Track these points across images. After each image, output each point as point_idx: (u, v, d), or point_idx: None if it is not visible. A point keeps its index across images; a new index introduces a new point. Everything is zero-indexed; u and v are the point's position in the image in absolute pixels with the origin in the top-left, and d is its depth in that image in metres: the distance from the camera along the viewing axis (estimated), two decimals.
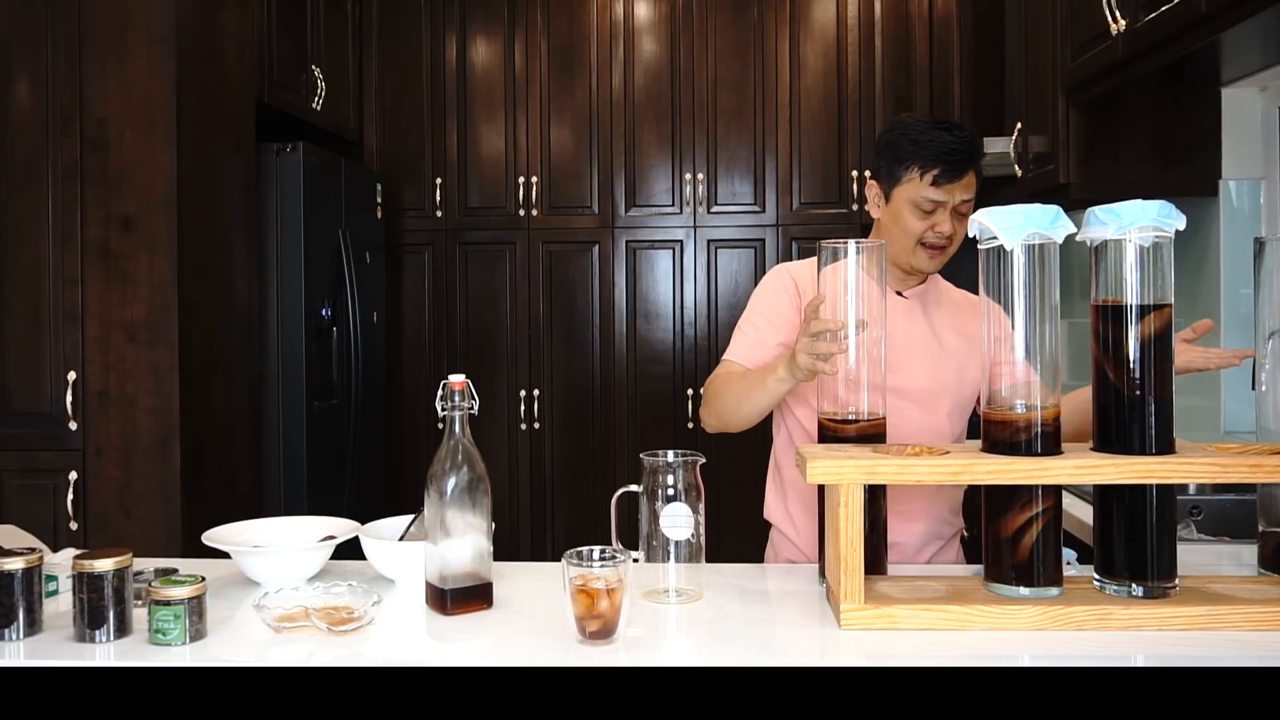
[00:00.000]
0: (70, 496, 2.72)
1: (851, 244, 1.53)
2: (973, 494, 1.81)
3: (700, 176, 4.18)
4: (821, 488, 1.51)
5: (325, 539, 1.58)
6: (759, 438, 2.00)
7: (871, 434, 1.51)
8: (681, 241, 4.21)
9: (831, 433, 1.53)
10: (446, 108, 4.24)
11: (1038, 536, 1.33)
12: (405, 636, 1.35)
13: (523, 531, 4.22)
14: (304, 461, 3.32)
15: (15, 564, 1.29)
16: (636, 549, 1.47)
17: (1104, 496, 1.36)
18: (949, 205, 1.74)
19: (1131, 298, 1.31)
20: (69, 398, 2.72)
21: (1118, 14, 2.28)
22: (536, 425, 4.22)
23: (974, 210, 1.75)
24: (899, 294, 1.85)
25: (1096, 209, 1.33)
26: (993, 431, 1.36)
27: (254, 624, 1.35)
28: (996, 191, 3.48)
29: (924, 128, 1.75)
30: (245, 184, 3.17)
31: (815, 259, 1.61)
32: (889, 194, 1.80)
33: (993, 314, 1.42)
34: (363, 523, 1.64)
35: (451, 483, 1.39)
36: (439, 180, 4.24)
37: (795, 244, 4.16)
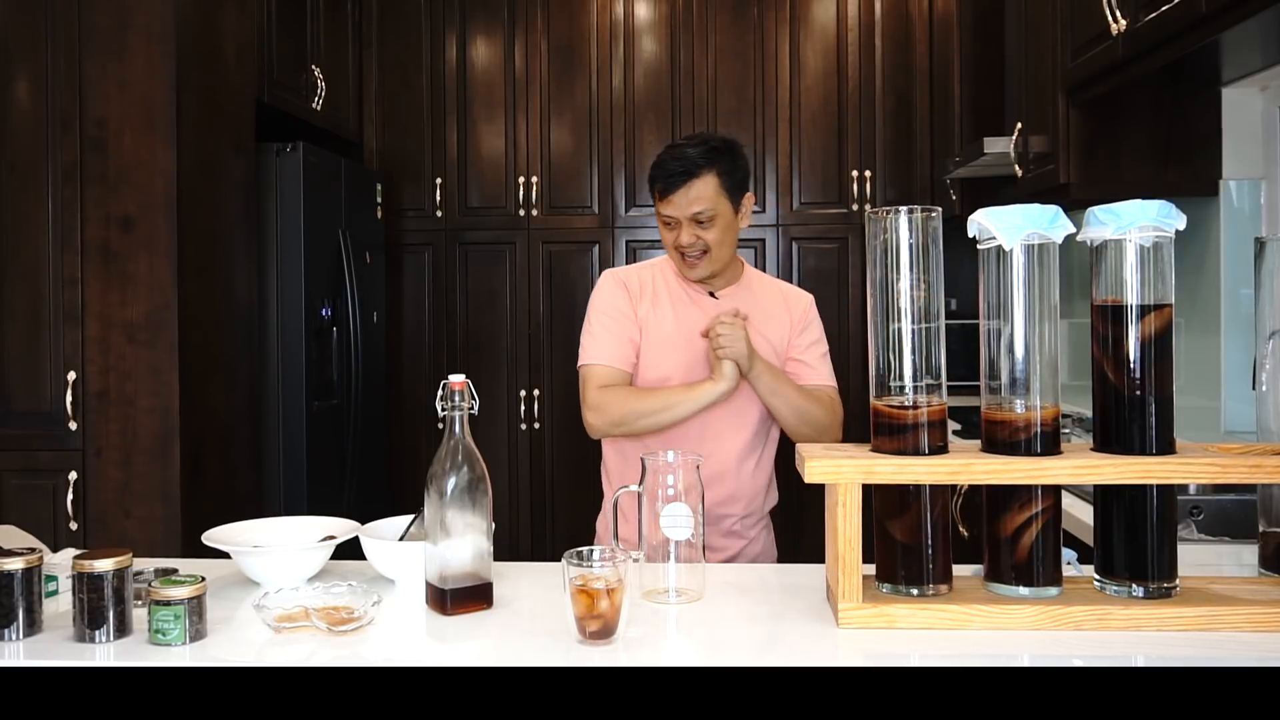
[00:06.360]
0: (70, 496, 2.72)
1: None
2: (973, 493, 1.81)
3: None
4: None
5: (325, 539, 1.58)
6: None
7: None
8: None
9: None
10: (446, 108, 4.24)
11: (1037, 536, 1.33)
12: (405, 636, 1.35)
13: (523, 531, 4.22)
14: (304, 461, 3.32)
15: (15, 564, 1.29)
16: (637, 549, 1.47)
17: (1104, 496, 1.36)
18: (681, 218, 1.87)
19: (1131, 298, 1.31)
20: (69, 398, 2.72)
21: (1118, 14, 2.28)
22: (536, 425, 4.22)
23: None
24: (711, 294, 1.96)
25: (1096, 209, 1.33)
26: (992, 431, 1.35)
27: (254, 624, 1.35)
28: (996, 191, 3.49)
29: (666, 150, 1.91)
30: (245, 184, 3.17)
31: (639, 264, 2.01)
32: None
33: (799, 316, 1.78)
34: (363, 523, 1.64)
35: (451, 483, 1.39)
36: (439, 180, 4.24)
37: (795, 244, 4.16)
